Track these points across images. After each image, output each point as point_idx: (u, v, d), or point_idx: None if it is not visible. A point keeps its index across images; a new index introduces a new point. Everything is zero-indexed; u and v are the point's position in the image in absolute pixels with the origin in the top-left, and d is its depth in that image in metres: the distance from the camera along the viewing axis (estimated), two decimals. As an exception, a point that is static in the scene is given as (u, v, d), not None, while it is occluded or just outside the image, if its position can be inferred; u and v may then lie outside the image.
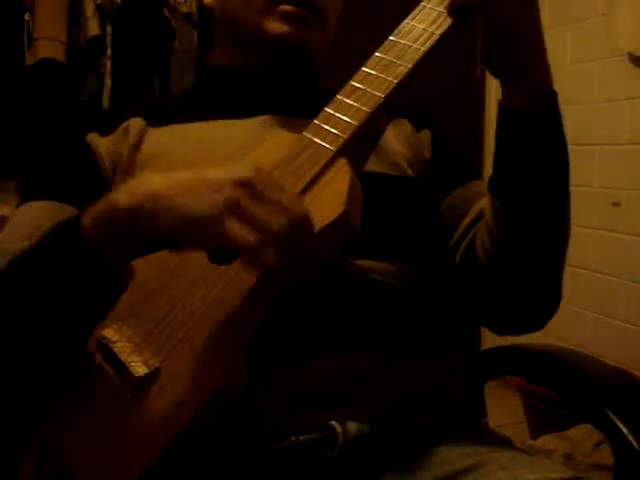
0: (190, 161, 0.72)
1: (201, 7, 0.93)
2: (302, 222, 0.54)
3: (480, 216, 0.82)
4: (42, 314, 0.63)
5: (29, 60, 2.10)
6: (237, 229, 0.52)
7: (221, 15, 0.89)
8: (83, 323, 0.64)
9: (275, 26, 0.82)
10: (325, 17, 0.84)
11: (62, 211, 0.75)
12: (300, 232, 0.54)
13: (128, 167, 0.78)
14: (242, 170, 0.55)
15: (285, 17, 0.81)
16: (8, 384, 0.66)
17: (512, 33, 0.69)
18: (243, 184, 0.54)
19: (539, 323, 0.83)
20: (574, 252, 0.83)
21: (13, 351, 0.64)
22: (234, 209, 0.53)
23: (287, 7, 0.81)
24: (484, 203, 0.82)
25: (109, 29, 2.21)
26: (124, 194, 0.59)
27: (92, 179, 0.78)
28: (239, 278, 0.61)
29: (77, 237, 0.61)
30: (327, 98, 0.70)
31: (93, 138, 0.81)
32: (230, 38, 0.88)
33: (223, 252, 0.56)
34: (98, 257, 0.60)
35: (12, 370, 0.65)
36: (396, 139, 0.85)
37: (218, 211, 0.53)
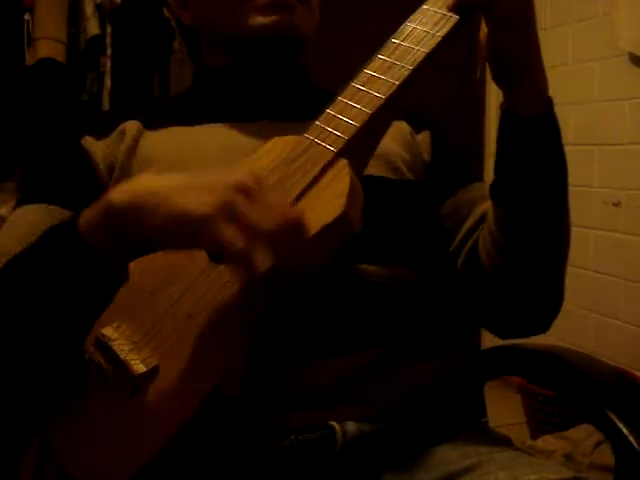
0: (186, 165, 0.73)
1: (180, 24, 0.92)
2: (295, 226, 0.54)
3: (482, 219, 0.82)
4: (40, 313, 0.63)
5: (29, 60, 2.10)
6: (228, 232, 0.52)
7: (203, 28, 0.88)
8: (80, 321, 0.64)
9: (258, 20, 0.80)
10: None
11: (57, 214, 0.75)
12: (292, 236, 0.54)
13: (124, 170, 0.78)
14: (238, 174, 0.56)
15: (266, 8, 0.80)
16: (7, 383, 0.66)
17: (515, 31, 0.69)
18: (238, 188, 0.54)
19: (542, 326, 0.83)
20: (574, 252, 0.83)
21: (11, 350, 0.64)
22: (228, 212, 0.53)
23: None
24: (486, 206, 0.81)
25: (109, 29, 2.21)
26: (120, 193, 0.60)
27: (87, 182, 0.78)
28: (238, 277, 0.61)
29: (74, 236, 0.61)
30: (323, 98, 0.70)
31: (88, 141, 0.80)
32: (218, 45, 0.87)
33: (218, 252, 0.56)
34: (95, 256, 0.60)
35: (10, 369, 0.65)
36: (394, 142, 0.84)
37: (212, 213, 0.53)
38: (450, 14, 0.68)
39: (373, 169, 0.76)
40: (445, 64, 0.75)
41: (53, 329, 0.63)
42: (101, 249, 0.60)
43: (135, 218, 0.57)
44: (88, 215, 0.61)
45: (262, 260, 0.52)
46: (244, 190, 0.54)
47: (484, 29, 0.72)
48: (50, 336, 0.64)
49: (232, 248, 0.52)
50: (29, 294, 0.63)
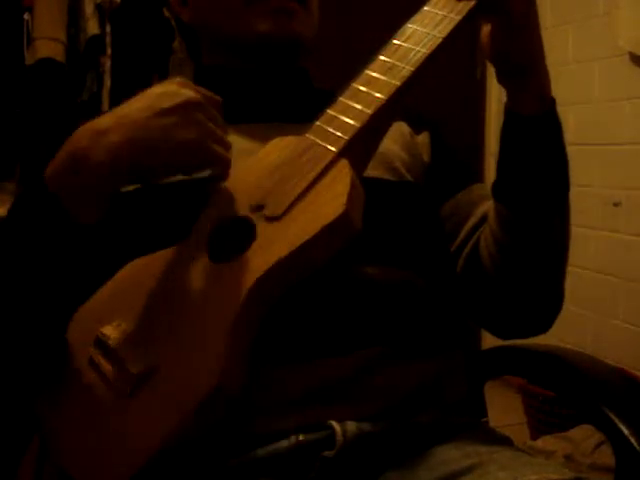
0: None
1: (179, 22, 0.91)
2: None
3: (483, 220, 0.82)
4: (17, 273, 0.64)
5: (28, 60, 2.10)
6: (217, 148, 0.63)
7: (202, 27, 0.87)
8: (58, 280, 0.64)
9: (260, 25, 0.80)
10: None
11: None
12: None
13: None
14: (186, 91, 0.63)
15: (267, 13, 0.80)
16: None
17: (523, 33, 0.69)
18: (197, 106, 0.63)
19: (543, 326, 0.83)
20: (574, 252, 0.83)
21: None
22: (207, 131, 0.62)
23: (266, 3, 0.79)
24: (487, 206, 0.81)
25: (108, 29, 2.21)
26: (93, 147, 0.62)
27: None
28: (239, 278, 0.61)
29: (42, 188, 0.63)
30: (324, 99, 0.70)
31: None
32: (217, 44, 0.87)
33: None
34: (64, 205, 0.62)
35: None
36: (394, 143, 0.84)
37: (201, 136, 0.62)
38: (451, 15, 0.68)
39: (373, 171, 0.76)
40: (445, 64, 0.75)
41: (32, 287, 0.64)
42: (68, 196, 0.62)
43: (134, 157, 0.61)
44: (56, 167, 0.64)
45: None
46: (202, 108, 0.63)
47: (485, 30, 0.72)
48: (31, 294, 0.64)
49: (222, 158, 0.63)
50: (4, 255, 0.65)
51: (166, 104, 0.62)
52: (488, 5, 0.68)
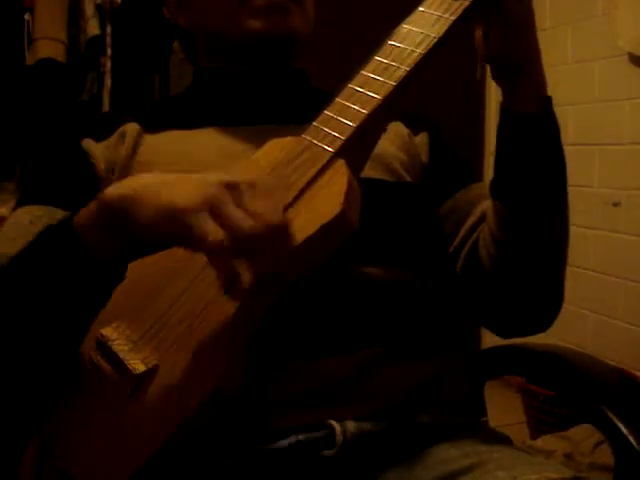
0: (186, 169, 0.73)
1: (175, 27, 0.91)
2: (277, 232, 0.54)
3: (482, 219, 0.82)
4: (38, 313, 0.63)
5: (29, 60, 2.11)
6: (208, 224, 0.53)
7: (199, 30, 0.88)
8: (78, 320, 0.64)
9: (254, 23, 0.80)
10: None
11: (56, 215, 0.75)
12: (273, 243, 0.54)
13: (124, 173, 0.78)
14: (233, 175, 0.56)
15: (261, 11, 0.80)
16: (7, 382, 0.66)
17: (520, 33, 0.69)
18: (229, 186, 0.55)
19: (543, 325, 0.83)
20: (574, 252, 0.83)
21: (11, 350, 0.64)
22: (212, 206, 0.54)
23: (260, 1, 0.80)
24: (486, 206, 0.81)
25: (109, 29, 2.21)
26: (113, 188, 0.61)
27: (87, 184, 0.78)
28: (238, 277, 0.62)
29: (70, 234, 0.62)
30: (322, 100, 0.70)
31: (88, 143, 0.80)
32: (214, 47, 0.87)
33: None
34: (91, 253, 0.61)
35: (10, 368, 0.65)
36: (392, 144, 0.84)
37: (197, 205, 0.54)
38: (446, 16, 0.68)
39: (371, 172, 0.76)
40: (445, 64, 0.75)
41: (52, 328, 0.63)
42: (96, 246, 0.61)
43: (126, 210, 0.58)
44: (83, 213, 0.62)
45: (239, 262, 0.53)
46: (234, 189, 0.55)
47: (479, 29, 0.72)
48: (49, 335, 0.64)
49: (206, 241, 0.53)
50: (27, 294, 0.64)
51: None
52: (483, 5, 0.68)
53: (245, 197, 0.55)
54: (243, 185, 0.56)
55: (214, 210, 0.54)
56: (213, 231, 0.53)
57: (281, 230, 0.55)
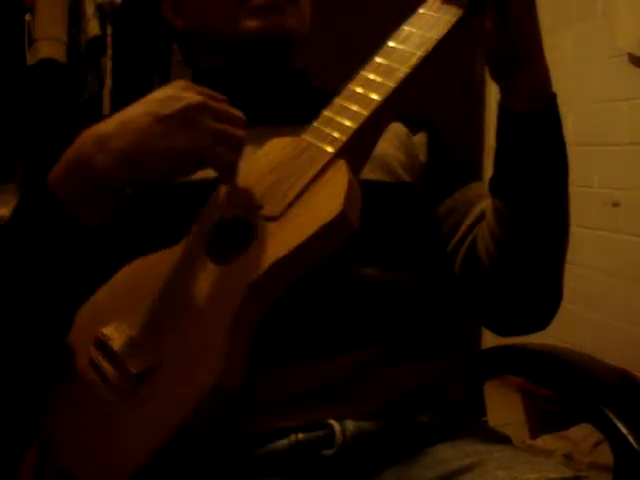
0: None
1: (173, 29, 0.92)
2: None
3: (480, 218, 0.82)
4: (21, 276, 0.65)
5: (30, 60, 2.11)
6: (221, 150, 0.62)
7: (196, 32, 0.88)
8: (62, 283, 0.65)
9: (250, 24, 0.81)
10: None
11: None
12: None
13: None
14: (187, 94, 0.63)
15: (257, 10, 0.80)
16: None
17: (517, 33, 0.69)
18: (198, 108, 0.62)
19: (541, 323, 0.83)
20: (574, 252, 0.83)
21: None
22: (209, 133, 0.61)
23: (257, 0, 0.80)
24: (485, 205, 0.81)
25: (109, 29, 2.21)
26: (96, 152, 0.63)
27: None
28: (238, 277, 0.62)
29: (46, 193, 0.64)
30: (323, 100, 0.70)
31: None
32: (211, 48, 0.87)
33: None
34: (66, 205, 0.63)
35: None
36: (390, 144, 0.84)
37: (202, 141, 0.61)
38: (446, 17, 0.68)
39: (369, 173, 0.76)
40: (445, 64, 0.75)
41: (37, 291, 0.65)
42: (69, 200, 0.63)
43: (90, 149, 0.62)
44: (54, 170, 0.65)
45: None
46: (208, 109, 0.63)
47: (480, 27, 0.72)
48: (35, 298, 0.65)
49: (227, 165, 0.64)
50: (9, 258, 0.65)
51: (167, 109, 0.62)
52: (482, 4, 0.68)
53: (216, 110, 0.64)
54: (206, 102, 0.63)
55: (214, 137, 0.62)
56: (226, 153, 0.63)
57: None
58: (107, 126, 0.64)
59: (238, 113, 0.65)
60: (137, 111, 0.64)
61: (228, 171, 0.66)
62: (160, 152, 0.61)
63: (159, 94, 0.65)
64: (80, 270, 0.65)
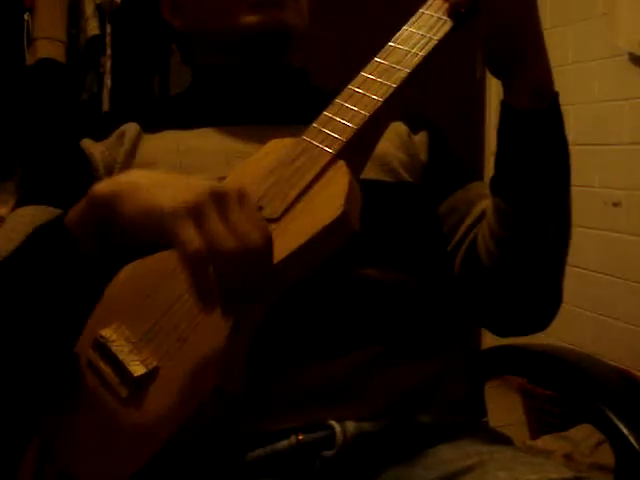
0: (185, 169, 0.73)
1: (171, 30, 0.91)
2: (257, 253, 0.53)
3: (481, 217, 0.82)
4: (31, 310, 0.63)
5: (29, 60, 2.11)
6: (188, 231, 0.52)
7: (195, 30, 0.88)
8: (70, 318, 0.64)
9: (249, 19, 0.81)
10: None
11: (53, 215, 0.75)
12: (251, 263, 0.53)
13: (123, 172, 0.78)
14: (225, 184, 0.57)
15: (255, 5, 0.80)
16: (4, 381, 0.66)
17: (514, 33, 0.69)
18: (217, 195, 0.54)
19: (541, 324, 0.83)
20: (574, 252, 0.83)
21: (6, 348, 0.65)
22: (195, 213, 0.53)
23: None
24: (485, 204, 0.81)
25: (109, 29, 2.21)
26: (103, 184, 0.61)
27: (86, 184, 0.78)
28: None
29: (61, 230, 0.62)
30: (322, 99, 0.70)
31: (87, 143, 0.81)
32: (210, 46, 0.87)
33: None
34: (80, 250, 0.61)
35: (5, 368, 0.65)
36: (391, 144, 0.84)
37: (181, 210, 0.53)
38: (446, 18, 0.68)
39: (370, 172, 0.76)
40: (445, 63, 0.75)
41: (45, 326, 0.63)
42: (86, 242, 0.61)
43: (112, 206, 0.58)
44: (74, 209, 0.62)
45: (210, 274, 0.52)
46: (221, 198, 0.54)
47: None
48: (42, 333, 0.64)
49: (183, 247, 0.52)
50: (19, 291, 0.64)
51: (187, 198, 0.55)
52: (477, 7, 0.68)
53: (232, 211, 0.54)
54: (232, 195, 0.54)
55: (197, 220, 0.52)
56: (192, 240, 0.52)
57: (262, 252, 0.54)
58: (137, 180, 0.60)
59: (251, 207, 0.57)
60: (178, 182, 0.58)
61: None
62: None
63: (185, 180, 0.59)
64: (87, 297, 0.64)
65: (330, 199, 0.61)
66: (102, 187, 0.60)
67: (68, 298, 0.63)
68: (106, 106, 2.18)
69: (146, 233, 0.57)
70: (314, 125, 0.68)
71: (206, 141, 0.80)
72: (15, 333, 0.64)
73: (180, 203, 0.53)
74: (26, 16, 2.10)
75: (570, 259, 0.81)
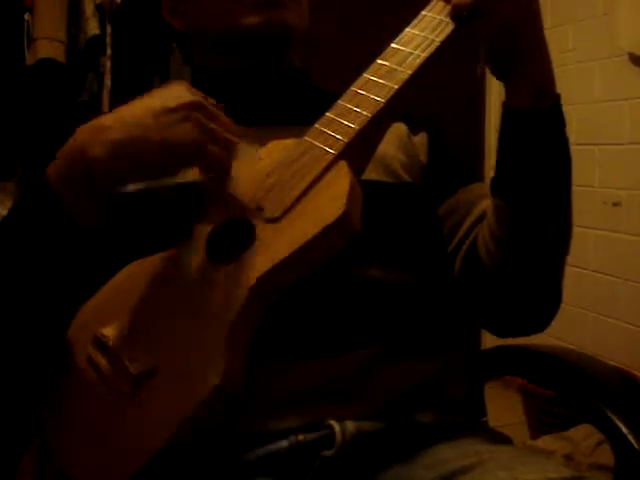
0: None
1: (172, 31, 0.92)
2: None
3: (481, 218, 0.82)
4: (19, 273, 0.65)
5: (29, 60, 2.11)
6: (214, 149, 0.62)
7: (195, 31, 0.88)
8: (59, 281, 0.65)
9: (249, 19, 0.81)
10: None
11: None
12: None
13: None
14: (187, 94, 0.64)
15: (256, 6, 0.81)
16: None
17: (516, 35, 0.69)
18: (197, 107, 0.63)
19: (540, 325, 0.83)
20: (574, 252, 0.83)
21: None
22: (205, 131, 0.62)
23: None
24: (485, 205, 0.81)
25: (109, 29, 2.21)
26: (93, 144, 0.63)
27: None
28: (239, 278, 0.62)
29: (45, 190, 0.64)
30: (325, 100, 0.70)
31: None
32: (210, 47, 0.87)
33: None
34: (65, 209, 0.63)
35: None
36: (391, 145, 0.84)
37: (198, 137, 0.61)
38: (448, 20, 0.69)
39: (370, 173, 0.76)
40: (445, 63, 0.76)
41: (34, 289, 0.65)
42: (66, 199, 0.63)
43: (85, 155, 0.62)
44: (50, 168, 0.65)
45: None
46: (202, 108, 0.63)
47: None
48: (32, 296, 0.65)
49: (220, 164, 0.63)
50: (6, 255, 0.66)
51: (166, 105, 0.63)
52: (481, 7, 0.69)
53: (211, 111, 0.64)
54: (203, 102, 0.64)
55: (208, 135, 0.62)
56: (217, 153, 0.62)
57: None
58: (104, 119, 0.64)
59: (229, 120, 0.66)
60: (135, 106, 0.64)
61: (220, 172, 0.65)
62: (156, 144, 0.61)
63: (158, 91, 0.66)
64: (78, 268, 0.65)
65: (331, 199, 0.61)
66: (95, 150, 0.62)
67: (56, 257, 0.64)
68: (106, 106, 2.18)
69: (124, 165, 0.62)
70: (316, 126, 0.68)
71: None
72: (5, 300, 0.66)
73: (192, 134, 0.61)
74: (26, 16, 2.10)
75: (570, 259, 0.81)
